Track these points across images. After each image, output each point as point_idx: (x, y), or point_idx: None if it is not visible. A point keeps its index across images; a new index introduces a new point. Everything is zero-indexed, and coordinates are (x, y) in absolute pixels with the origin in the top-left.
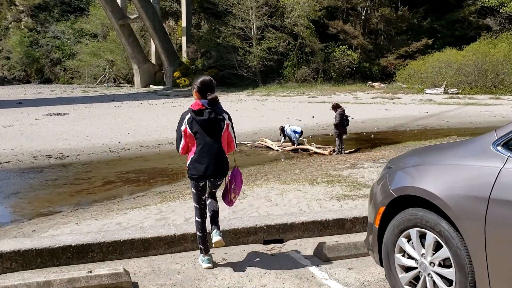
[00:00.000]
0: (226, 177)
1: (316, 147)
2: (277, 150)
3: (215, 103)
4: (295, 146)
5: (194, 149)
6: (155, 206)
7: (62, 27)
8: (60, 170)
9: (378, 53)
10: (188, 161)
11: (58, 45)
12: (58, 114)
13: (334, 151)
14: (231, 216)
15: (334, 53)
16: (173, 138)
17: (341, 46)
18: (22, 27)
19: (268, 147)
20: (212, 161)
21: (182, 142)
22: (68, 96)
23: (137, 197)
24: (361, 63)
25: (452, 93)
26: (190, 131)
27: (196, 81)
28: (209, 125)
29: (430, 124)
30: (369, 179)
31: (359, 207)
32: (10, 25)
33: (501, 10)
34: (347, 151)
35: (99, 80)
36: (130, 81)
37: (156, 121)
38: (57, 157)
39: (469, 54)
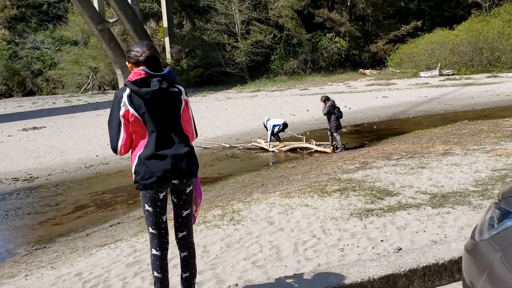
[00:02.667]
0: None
1: (316, 145)
2: (273, 152)
3: (157, 64)
4: (279, 145)
5: (143, 141)
6: (129, 242)
7: (41, 37)
8: (26, 196)
9: (367, 39)
10: (135, 162)
11: (38, 56)
12: (34, 128)
13: (337, 148)
14: (218, 260)
15: (322, 42)
16: None
17: (328, 34)
18: (0, 40)
19: (262, 148)
20: (176, 151)
21: (122, 134)
22: (49, 107)
23: (111, 226)
24: (350, 50)
25: (448, 75)
26: (135, 113)
27: (129, 49)
28: (163, 100)
29: (433, 109)
30: (389, 182)
31: (391, 230)
32: None
33: None
34: (352, 146)
35: (83, 88)
36: (115, 87)
37: None
38: (24, 180)
39: (462, 33)
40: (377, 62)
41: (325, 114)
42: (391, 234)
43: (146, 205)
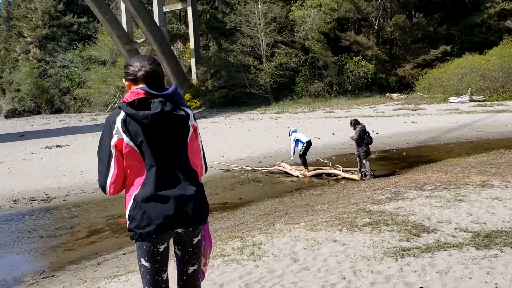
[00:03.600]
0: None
1: (343, 171)
2: (297, 176)
3: (159, 81)
4: (303, 170)
5: (139, 178)
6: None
7: (70, 56)
8: (41, 217)
9: (394, 63)
10: (129, 205)
11: (67, 74)
12: (57, 146)
13: (365, 175)
14: None
15: (348, 65)
16: None
17: (354, 57)
18: (31, 58)
19: (286, 172)
20: (181, 191)
21: (112, 170)
22: (75, 125)
23: (124, 254)
24: (377, 74)
25: (479, 101)
26: (130, 143)
27: (127, 63)
28: (166, 126)
29: (464, 136)
30: (424, 216)
31: (431, 274)
32: (19, 57)
33: None
34: (381, 173)
35: (109, 107)
36: None
37: None
38: (41, 200)
39: (493, 58)
40: (405, 87)
41: (354, 139)
42: (431, 279)
43: (142, 259)
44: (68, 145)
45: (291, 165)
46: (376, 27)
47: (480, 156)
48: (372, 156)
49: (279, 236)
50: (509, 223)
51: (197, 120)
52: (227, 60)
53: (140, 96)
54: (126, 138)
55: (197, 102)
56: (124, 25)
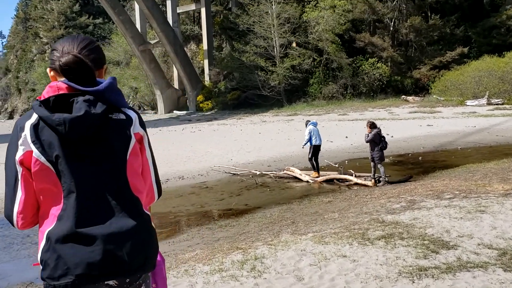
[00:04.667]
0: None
1: (355, 176)
2: (308, 182)
3: (87, 73)
4: (313, 174)
5: (55, 208)
6: None
7: None
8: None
9: (410, 65)
10: (42, 244)
11: None
12: None
13: (379, 181)
14: None
15: (363, 66)
16: (187, 171)
17: (369, 59)
18: (47, 58)
19: (296, 177)
20: (113, 227)
21: (20, 195)
22: None
23: None
24: (392, 76)
25: (497, 104)
26: (41, 158)
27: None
28: (93, 135)
29: (483, 140)
30: (443, 229)
31: None
32: (35, 57)
33: None
34: (396, 179)
35: None
36: (154, 108)
37: (170, 150)
38: None
39: None
40: (420, 89)
41: (367, 142)
42: None
43: None
44: None
45: (301, 170)
46: (391, 28)
47: (501, 162)
48: (387, 160)
49: (284, 248)
50: None
51: (145, 127)
52: (240, 61)
53: (59, 93)
54: (35, 151)
55: (209, 104)
56: (138, 26)
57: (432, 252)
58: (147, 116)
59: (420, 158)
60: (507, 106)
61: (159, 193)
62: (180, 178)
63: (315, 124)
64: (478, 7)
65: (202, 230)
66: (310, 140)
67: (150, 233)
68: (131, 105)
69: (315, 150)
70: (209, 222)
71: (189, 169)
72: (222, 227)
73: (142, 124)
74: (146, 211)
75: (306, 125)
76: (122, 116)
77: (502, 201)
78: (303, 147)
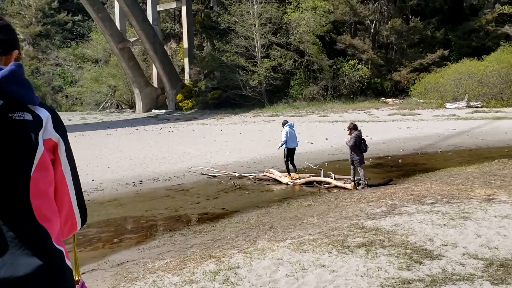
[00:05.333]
0: None
1: (335, 179)
2: (287, 184)
3: None
4: (295, 176)
5: None
6: None
7: (64, 54)
8: None
9: (390, 67)
10: None
11: (60, 73)
12: None
13: (358, 184)
14: None
15: (343, 68)
16: (162, 172)
17: (350, 61)
18: (23, 55)
19: (275, 180)
20: (6, 271)
21: None
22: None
23: (83, 273)
24: (372, 78)
25: (476, 107)
26: None
27: None
28: None
29: (463, 143)
30: (426, 237)
31: None
32: None
33: None
34: (376, 183)
35: (101, 106)
36: (133, 106)
37: (146, 150)
38: None
39: (492, 64)
40: (400, 91)
41: (349, 146)
42: None
43: None
44: None
45: (281, 172)
46: (372, 30)
47: (482, 165)
48: (366, 163)
49: (260, 257)
50: None
51: (65, 131)
52: (220, 60)
53: None
54: None
55: (189, 103)
56: (117, 23)
57: (415, 262)
58: (125, 115)
59: (400, 160)
60: (486, 109)
61: (83, 219)
62: (154, 180)
63: (291, 126)
64: (458, 11)
65: (175, 236)
66: (285, 142)
67: (61, 278)
68: (109, 104)
69: (290, 152)
70: (183, 227)
71: (164, 171)
72: (197, 233)
73: (59, 127)
74: (57, 246)
75: (283, 125)
76: (28, 117)
77: (486, 207)
78: (278, 148)
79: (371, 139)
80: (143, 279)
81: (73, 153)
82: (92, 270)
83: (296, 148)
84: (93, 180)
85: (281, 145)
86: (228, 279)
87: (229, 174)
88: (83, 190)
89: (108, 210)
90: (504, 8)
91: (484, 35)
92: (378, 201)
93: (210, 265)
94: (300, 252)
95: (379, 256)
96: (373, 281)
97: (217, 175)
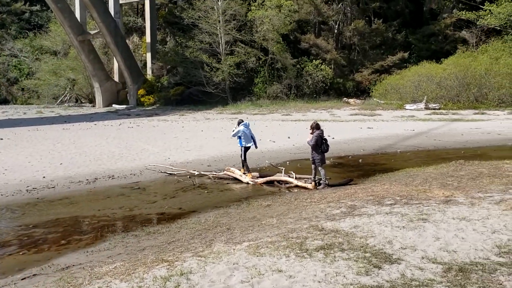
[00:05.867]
0: None
1: (296, 178)
2: (248, 183)
3: None
4: (252, 176)
5: None
6: None
7: (20, 45)
8: None
9: (352, 68)
10: None
11: (16, 64)
12: None
13: (319, 183)
14: None
15: (307, 68)
16: (118, 169)
17: (314, 61)
18: None
19: (236, 178)
20: None
21: None
22: (18, 117)
23: (23, 279)
24: (334, 78)
25: (434, 109)
26: None
27: None
28: None
29: (421, 144)
30: (385, 240)
31: None
32: None
33: (478, 23)
34: (336, 182)
35: (59, 100)
36: (93, 101)
37: (103, 147)
38: None
39: (450, 67)
40: (362, 92)
41: (311, 145)
42: None
43: None
44: (2, 139)
45: (241, 171)
46: (335, 31)
47: (439, 167)
48: (328, 162)
49: (215, 261)
50: (482, 252)
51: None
52: (184, 56)
53: None
54: None
55: (151, 98)
56: (78, 15)
57: (374, 267)
58: (84, 110)
59: (360, 160)
60: (443, 111)
61: None
62: (110, 177)
63: (247, 126)
64: (419, 15)
65: (127, 238)
66: (240, 140)
67: None
68: (67, 97)
69: (245, 151)
70: (136, 228)
71: (121, 168)
72: (150, 234)
73: None
74: None
75: (238, 124)
76: None
77: (444, 209)
78: (231, 137)
79: (333, 138)
80: (88, 285)
81: (26, 148)
82: (34, 275)
83: (258, 146)
84: (44, 177)
85: (233, 135)
86: (179, 285)
87: (188, 172)
88: (32, 187)
89: (57, 209)
90: (462, 13)
91: (442, 39)
92: (338, 201)
93: (161, 270)
94: (257, 256)
95: (338, 260)
96: (331, 287)
97: (175, 173)
